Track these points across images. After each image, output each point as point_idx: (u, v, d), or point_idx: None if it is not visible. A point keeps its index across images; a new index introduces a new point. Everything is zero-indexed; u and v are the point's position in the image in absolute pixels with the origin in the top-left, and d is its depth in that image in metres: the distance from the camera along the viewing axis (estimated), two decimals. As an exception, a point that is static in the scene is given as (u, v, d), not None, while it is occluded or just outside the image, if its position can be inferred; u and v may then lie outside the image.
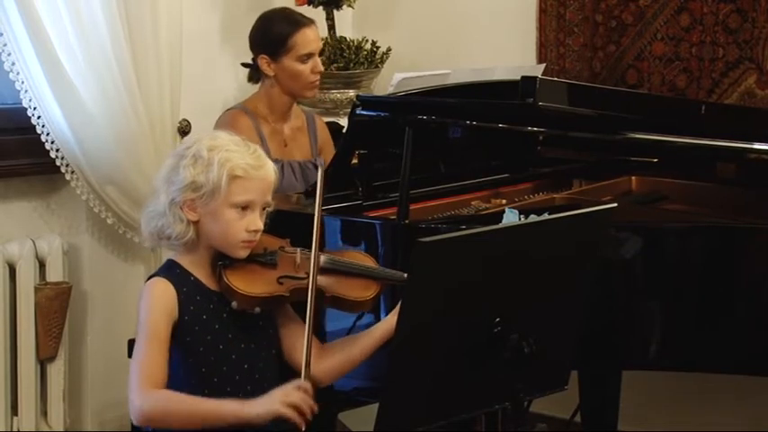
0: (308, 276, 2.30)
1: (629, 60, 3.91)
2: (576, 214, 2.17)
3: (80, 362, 3.67)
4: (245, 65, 3.51)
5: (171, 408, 2.18)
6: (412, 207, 2.89)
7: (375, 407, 2.02)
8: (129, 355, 3.52)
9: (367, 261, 2.44)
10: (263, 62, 3.40)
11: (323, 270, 2.33)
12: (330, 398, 2.94)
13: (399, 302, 2.03)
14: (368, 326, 2.61)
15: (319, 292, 2.33)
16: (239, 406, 2.18)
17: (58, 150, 3.42)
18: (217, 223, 2.29)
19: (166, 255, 3.44)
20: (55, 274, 3.49)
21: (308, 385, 2.19)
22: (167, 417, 2.17)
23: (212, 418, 2.18)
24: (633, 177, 3.42)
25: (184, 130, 3.70)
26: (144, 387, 2.18)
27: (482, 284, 2.02)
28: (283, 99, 3.44)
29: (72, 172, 3.46)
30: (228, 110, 3.47)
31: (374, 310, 2.65)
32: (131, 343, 3.53)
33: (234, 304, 2.28)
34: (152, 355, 2.21)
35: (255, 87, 3.52)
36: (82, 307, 3.65)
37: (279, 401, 2.17)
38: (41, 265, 3.48)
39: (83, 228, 3.65)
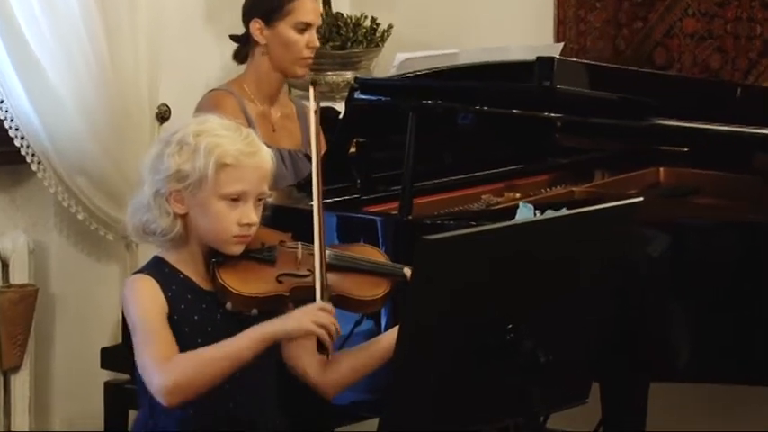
0: (311, 274, 2.31)
1: (657, 38, 3.91)
2: (597, 209, 2.18)
3: (47, 372, 3.68)
4: (233, 38, 3.52)
5: (192, 363, 2.20)
6: (415, 201, 2.90)
7: (375, 422, 2.02)
8: (102, 365, 3.54)
9: (375, 255, 2.44)
10: (256, 28, 3.41)
11: (328, 266, 2.34)
12: (327, 412, 2.95)
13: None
14: (368, 332, 2.62)
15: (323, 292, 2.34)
16: (263, 328, 2.23)
17: (22, 138, 3.43)
18: (206, 216, 2.29)
19: (143, 254, 3.47)
20: (19, 275, 3.50)
21: (329, 306, 2.27)
22: (193, 375, 2.19)
23: (240, 351, 2.21)
24: (661, 168, 3.42)
25: (164, 115, 3.70)
26: (161, 364, 2.19)
27: (493, 287, 2.03)
28: (272, 76, 3.45)
29: (38, 162, 3.46)
30: (211, 91, 3.47)
31: (375, 314, 2.66)
32: (104, 352, 3.56)
33: (228, 305, 2.29)
34: (158, 337, 2.23)
35: (241, 69, 3.53)
36: (49, 312, 3.66)
37: (308, 320, 2.23)
38: (4, 266, 3.49)
39: (50, 224, 3.66)
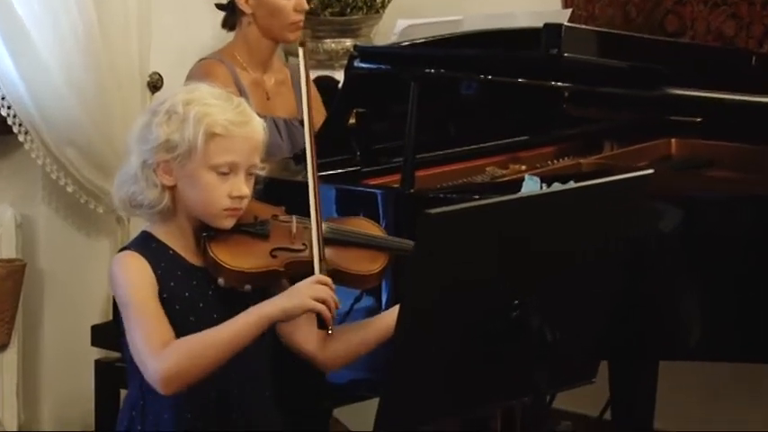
0: (306, 248, 2.32)
1: (669, 5, 3.91)
2: (606, 182, 2.18)
3: (36, 350, 3.69)
4: (219, 6, 3.51)
5: (188, 350, 2.20)
6: (418, 174, 2.90)
7: (375, 402, 2.04)
8: (93, 343, 3.55)
9: (372, 229, 2.45)
10: None
11: (324, 240, 2.35)
12: (324, 392, 2.97)
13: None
14: (368, 308, 2.63)
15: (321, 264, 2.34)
16: (260, 309, 2.23)
17: (9, 108, 3.43)
18: (195, 188, 2.29)
19: (135, 228, 3.47)
20: (6, 249, 3.51)
21: (327, 279, 2.27)
22: (190, 361, 2.20)
23: (237, 334, 2.22)
24: (673, 140, 3.42)
25: (155, 84, 3.70)
26: (156, 350, 2.20)
27: (498, 262, 2.03)
28: (262, 43, 3.45)
29: (26, 132, 3.47)
30: (201, 60, 3.47)
31: (375, 290, 2.66)
32: (94, 329, 3.57)
33: (220, 281, 2.30)
34: (152, 320, 2.23)
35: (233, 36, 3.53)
36: (38, 288, 3.67)
37: (306, 296, 2.24)
38: (-9, 240, 3.50)
39: (38, 197, 3.66)
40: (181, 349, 2.21)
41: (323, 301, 2.24)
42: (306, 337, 2.36)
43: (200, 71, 3.37)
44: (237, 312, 2.30)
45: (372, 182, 3.02)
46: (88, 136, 3.50)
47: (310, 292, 2.25)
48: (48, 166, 3.52)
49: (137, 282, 2.27)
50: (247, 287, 2.31)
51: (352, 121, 3.15)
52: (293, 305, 2.24)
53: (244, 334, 2.22)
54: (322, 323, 2.27)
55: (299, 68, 3.57)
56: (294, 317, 2.28)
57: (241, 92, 3.33)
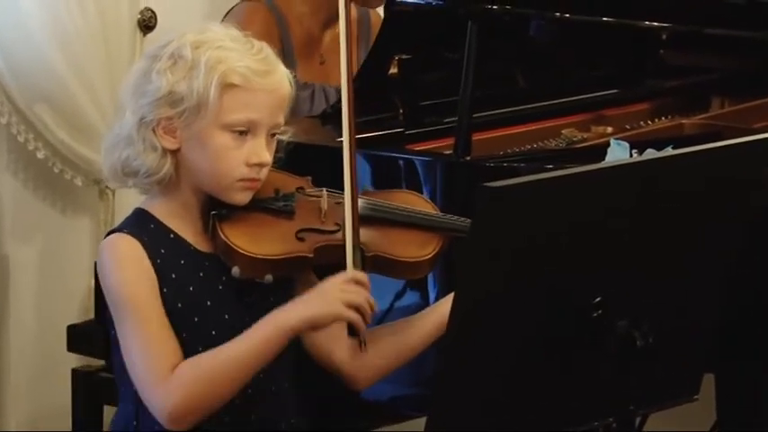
0: (340, 229, 2.32)
1: None
2: (715, 149, 2.17)
3: (0, 354, 3.72)
4: None
5: (200, 376, 2.23)
6: (475, 137, 2.90)
7: (420, 423, 2.04)
8: (70, 348, 3.56)
9: (422, 204, 2.45)
10: None
11: (361, 219, 2.35)
12: (359, 410, 2.97)
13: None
14: (412, 305, 2.63)
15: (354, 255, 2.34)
16: (278, 319, 2.24)
17: (-34, 54, 3.45)
18: (204, 153, 2.30)
19: (122, 204, 3.48)
20: (-37, 230, 3.54)
21: (364, 277, 2.27)
22: (203, 391, 2.23)
23: (254, 351, 2.23)
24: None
25: (148, 23, 3.71)
26: (162, 380, 2.22)
27: (576, 249, 2.03)
28: None
29: (-13, 84, 3.49)
30: (244, 0, 3.46)
31: (421, 282, 2.66)
32: (72, 330, 3.58)
33: (235, 270, 2.31)
34: (156, 335, 2.25)
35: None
36: (1, 277, 3.69)
37: (338, 300, 2.24)
38: (-56, 218, 3.53)
39: (2, 165, 3.68)
40: (188, 378, 2.23)
41: (357, 307, 2.24)
42: (335, 347, 2.37)
43: (239, 15, 3.35)
44: (253, 312, 2.32)
45: (418, 147, 3.02)
46: (64, 87, 3.51)
47: (343, 296, 2.24)
48: (14, 126, 3.53)
49: (135, 276, 2.28)
50: (268, 278, 2.32)
51: (393, 70, 3.15)
52: (321, 313, 2.25)
53: (262, 350, 2.23)
54: (353, 330, 2.27)
55: (369, 13, 3.56)
56: (321, 327, 2.29)
57: (285, 50, 3.31)
